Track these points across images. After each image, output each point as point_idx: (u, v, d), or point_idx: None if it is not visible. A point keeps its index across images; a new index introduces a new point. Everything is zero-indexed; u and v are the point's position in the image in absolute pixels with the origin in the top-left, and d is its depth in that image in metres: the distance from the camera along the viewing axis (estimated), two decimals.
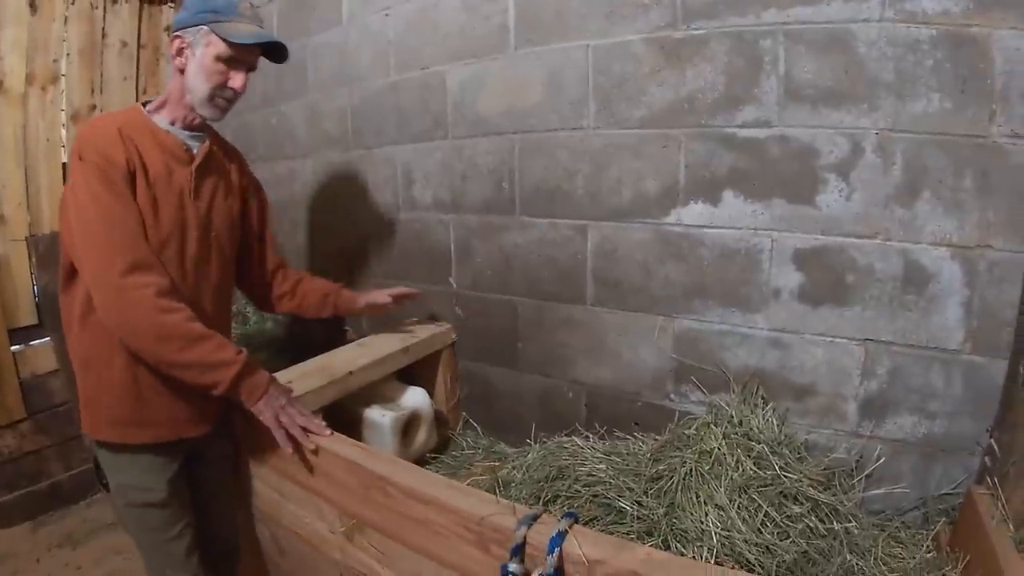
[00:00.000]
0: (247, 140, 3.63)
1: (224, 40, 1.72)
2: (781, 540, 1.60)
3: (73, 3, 3.55)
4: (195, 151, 1.85)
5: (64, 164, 3.56)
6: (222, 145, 2.01)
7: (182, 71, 1.78)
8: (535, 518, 1.33)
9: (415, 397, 2.35)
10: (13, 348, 3.39)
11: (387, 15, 2.77)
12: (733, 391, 2.05)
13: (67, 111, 3.64)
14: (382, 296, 2.38)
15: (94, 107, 3.72)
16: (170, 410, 1.81)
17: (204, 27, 1.73)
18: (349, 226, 3.17)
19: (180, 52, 1.77)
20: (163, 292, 1.64)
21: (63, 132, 3.61)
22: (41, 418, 3.52)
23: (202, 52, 1.75)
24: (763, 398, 2.01)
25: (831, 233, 1.86)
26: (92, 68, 3.72)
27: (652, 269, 2.18)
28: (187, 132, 1.85)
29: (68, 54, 3.60)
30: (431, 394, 2.47)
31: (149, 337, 1.61)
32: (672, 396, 2.21)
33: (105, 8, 3.70)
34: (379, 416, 2.20)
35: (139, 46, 3.93)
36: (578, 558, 1.23)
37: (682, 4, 1.98)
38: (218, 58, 1.74)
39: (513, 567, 1.27)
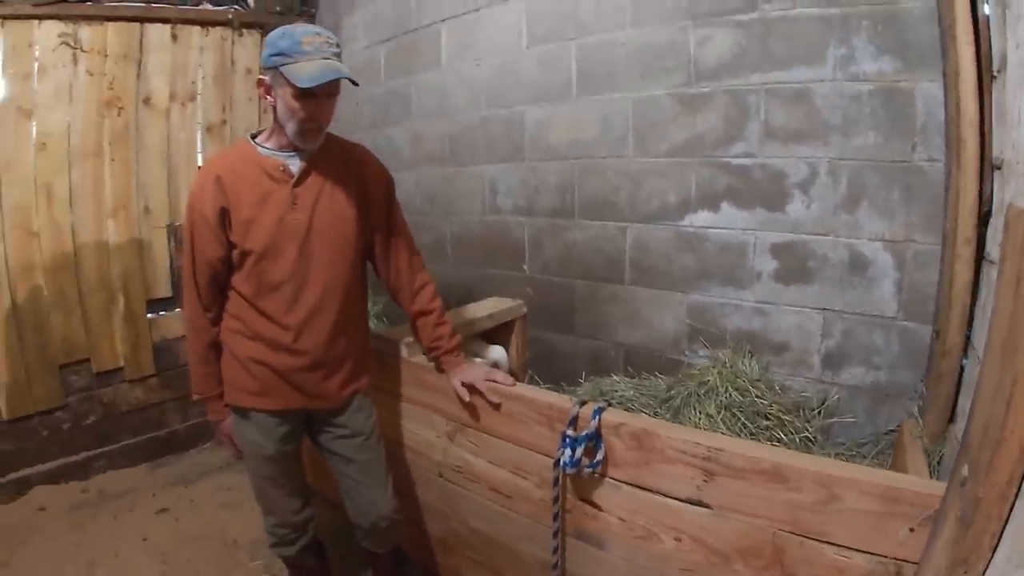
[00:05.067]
0: None
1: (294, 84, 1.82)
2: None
3: (207, 34, 4.17)
4: (294, 169, 2.00)
5: (200, 167, 4.10)
6: (336, 153, 2.10)
7: (274, 108, 1.94)
8: (584, 402, 2.04)
9: (496, 351, 3.08)
10: (149, 315, 4.00)
11: (478, 65, 3.61)
12: (728, 347, 2.76)
13: (202, 124, 4.20)
14: (464, 393, 2.25)
15: (224, 122, 4.30)
16: (274, 385, 2.07)
17: (277, 70, 1.84)
18: (445, 224, 4.00)
19: (267, 93, 1.93)
20: (197, 316, 2.10)
21: (199, 142, 4.19)
22: (167, 375, 4.06)
23: (281, 92, 1.88)
24: (750, 352, 2.71)
25: (797, 232, 2.57)
26: (223, 89, 4.29)
27: (672, 258, 2.94)
28: (288, 153, 2.01)
29: (203, 77, 4.17)
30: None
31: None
32: (686, 352, 2.95)
33: (233, 40, 4.30)
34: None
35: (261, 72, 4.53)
36: (609, 421, 1.94)
37: (695, 69, 2.75)
38: (295, 97, 1.85)
39: (569, 431, 1.99)
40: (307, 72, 1.80)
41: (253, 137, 2.08)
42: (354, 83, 1.91)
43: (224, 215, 1.97)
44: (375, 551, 2.41)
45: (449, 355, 2.28)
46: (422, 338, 2.31)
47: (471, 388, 2.24)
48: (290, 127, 1.92)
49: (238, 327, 2.08)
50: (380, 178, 2.21)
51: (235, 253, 2.01)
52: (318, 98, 1.88)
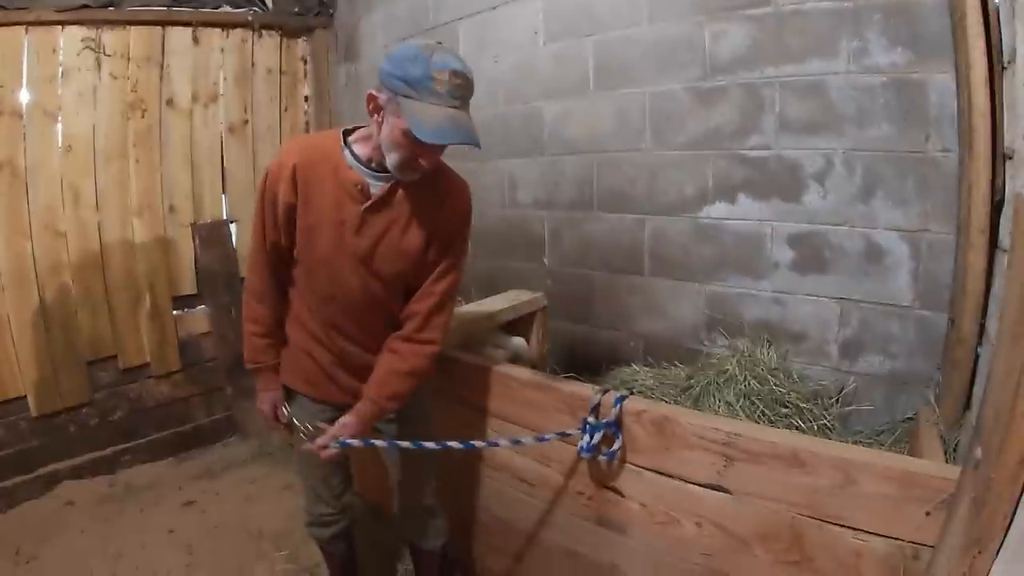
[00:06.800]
0: None
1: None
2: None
3: (227, 37, 4.23)
4: (373, 191, 1.81)
5: (223, 167, 4.31)
6: (425, 185, 1.84)
7: (379, 125, 1.71)
8: (606, 391, 2.08)
9: (517, 342, 3.11)
10: (175, 312, 4.06)
11: (496, 61, 3.65)
12: (747, 336, 2.80)
13: (224, 124, 4.29)
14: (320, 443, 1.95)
15: (246, 122, 4.37)
16: (318, 376, 2.06)
17: (396, 96, 1.62)
18: None
19: (376, 111, 1.71)
20: (258, 282, 2.04)
21: (221, 141, 4.28)
22: (192, 371, 4.14)
23: (392, 122, 1.65)
24: (768, 341, 2.75)
25: (813, 222, 2.60)
26: (244, 90, 4.36)
27: (690, 249, 2.98)
28: (374, 172, 1.81)
29: (224, 78, 4.25)
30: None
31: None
32: (705, 342, 2.99)
33: (253, 41, 4.36)
34: (493, 351, 2.97)
35: (281, 72, 4.55)
36: (630, 409, 1.99)
37: (710, 63, 2.79)
38: (405, 135, 1.62)
39: (590, 419, 2.03)
40: (430, 122, 1.58)
41: (348, 133, 1.89)
42: (478, 147, 1.68)
43: (292, 210, 1.86)
44: (415, 543, 2.40)
45: (367, 404, 1.97)
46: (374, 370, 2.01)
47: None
48: (390, 158, 1.71)
49: (292, 314, 2.08)
50: (453, 220, 1.96)
51: (294, 250, 1.95)
52: (431, 147, 1.67)
